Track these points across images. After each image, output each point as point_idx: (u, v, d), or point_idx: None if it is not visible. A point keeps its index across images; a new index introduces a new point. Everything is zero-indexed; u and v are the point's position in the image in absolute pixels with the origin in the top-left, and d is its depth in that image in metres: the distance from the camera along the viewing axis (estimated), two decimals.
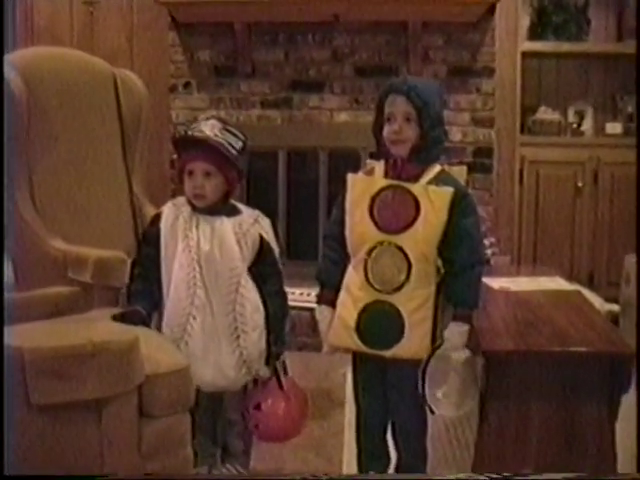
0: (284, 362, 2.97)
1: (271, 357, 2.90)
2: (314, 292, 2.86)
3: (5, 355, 2.34)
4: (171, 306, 2.83)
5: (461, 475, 2.84)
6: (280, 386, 2.91)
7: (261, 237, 2.88)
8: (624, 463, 2.77)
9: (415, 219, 2.62)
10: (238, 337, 2.82)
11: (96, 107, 3.93)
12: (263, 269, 2.90)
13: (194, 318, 2.80)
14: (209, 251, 2.79)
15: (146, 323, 2.81)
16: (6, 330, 2.47)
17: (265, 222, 2.94)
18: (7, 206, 3.45)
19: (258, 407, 2.90)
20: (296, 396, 2.96)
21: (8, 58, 3.59)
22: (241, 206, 2.95)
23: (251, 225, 2.87)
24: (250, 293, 2.85)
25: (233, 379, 2.84)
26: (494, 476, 2.58)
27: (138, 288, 2.90)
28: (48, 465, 2.41)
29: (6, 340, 2.37)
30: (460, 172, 2.90)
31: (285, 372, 2.96)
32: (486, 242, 4.26)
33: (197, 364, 2.72)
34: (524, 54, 5.43)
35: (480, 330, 2.80)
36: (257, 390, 2.94)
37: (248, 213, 2.92)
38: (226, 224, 2.84)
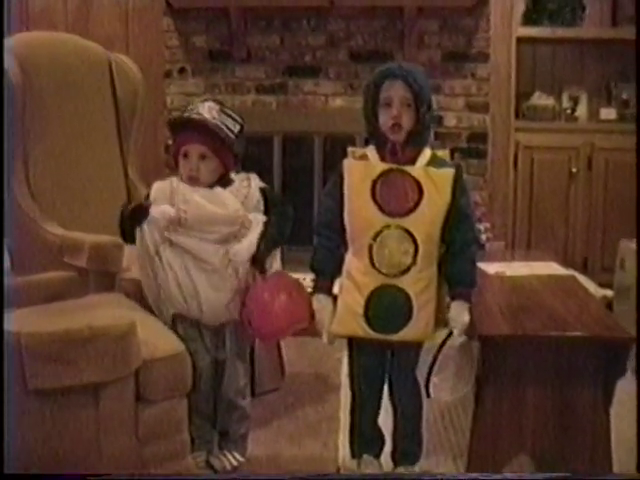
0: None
1: (256, 261, 2.82)
2: (309, 277, 2.85)
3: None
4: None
5: (454, 475, 2.88)
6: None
7: (261, 190, 2.86)
8: (621, 457, 2.78)
9: (419, 201, 2.65)
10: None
11: (92, 92, 3.93)
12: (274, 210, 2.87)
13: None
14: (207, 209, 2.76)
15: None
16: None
17: (254, 176, 2.90)
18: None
19: (243, 304, 2.83)
20: (281, 287, 2.84)
21: (3, 43, 3.58)
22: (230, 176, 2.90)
23: (247, 187, 2.84)
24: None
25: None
26: (482, 478, 2.62)
27: None
28: (45, 449, 2.42)
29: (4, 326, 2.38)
30: (444, 156, 2.95)
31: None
32: (481, 227, 4.28)
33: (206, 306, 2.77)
34: (519, 39, 5.41)
35: (476, 315, 2.81)
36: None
37: (239, 178, 2.88)
38: (224, 192, 2.81)
